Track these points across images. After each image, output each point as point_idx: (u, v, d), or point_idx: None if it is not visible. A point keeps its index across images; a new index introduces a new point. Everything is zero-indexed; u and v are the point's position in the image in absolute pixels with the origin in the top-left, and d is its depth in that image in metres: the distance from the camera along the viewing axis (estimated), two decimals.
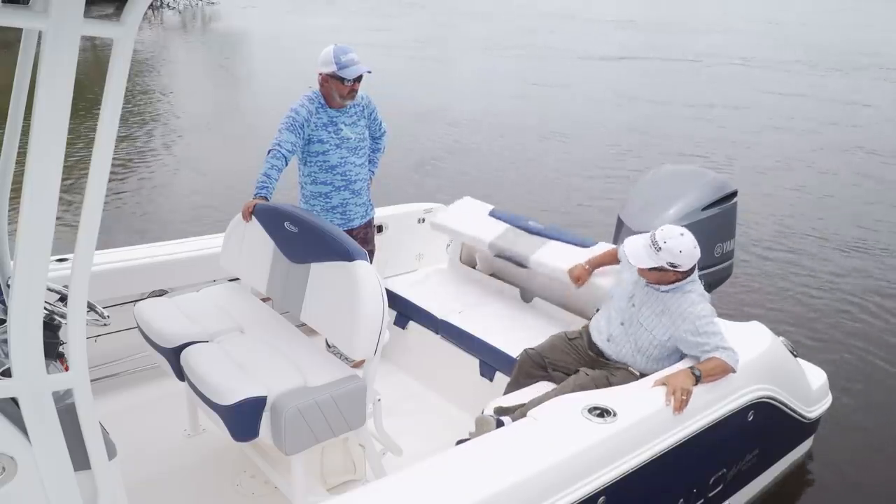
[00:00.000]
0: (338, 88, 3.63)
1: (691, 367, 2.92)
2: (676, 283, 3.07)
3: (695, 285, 3.10)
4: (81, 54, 1.57)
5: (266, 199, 3.43)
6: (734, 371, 2.97)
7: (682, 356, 3.08)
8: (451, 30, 25.43)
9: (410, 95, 13.97)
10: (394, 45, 20.28)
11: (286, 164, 3.58)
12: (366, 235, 3.98)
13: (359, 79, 3.65)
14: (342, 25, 24.56)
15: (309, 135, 3.66)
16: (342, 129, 3.73)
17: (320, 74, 3.64)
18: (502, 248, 4.02)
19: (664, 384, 2.84)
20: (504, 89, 15.24)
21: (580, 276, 3.63)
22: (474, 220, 4.30)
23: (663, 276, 3.05)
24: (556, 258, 3.79)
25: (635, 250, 3.04)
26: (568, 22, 28.69)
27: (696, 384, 2.85)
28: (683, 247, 2.97)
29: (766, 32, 27.75)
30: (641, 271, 3.10)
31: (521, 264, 3.94)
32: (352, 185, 3.81)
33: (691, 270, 3.08)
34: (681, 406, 2.75)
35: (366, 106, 3.86)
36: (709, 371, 2.91)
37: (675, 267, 2.99)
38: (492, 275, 4.47)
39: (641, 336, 3.12)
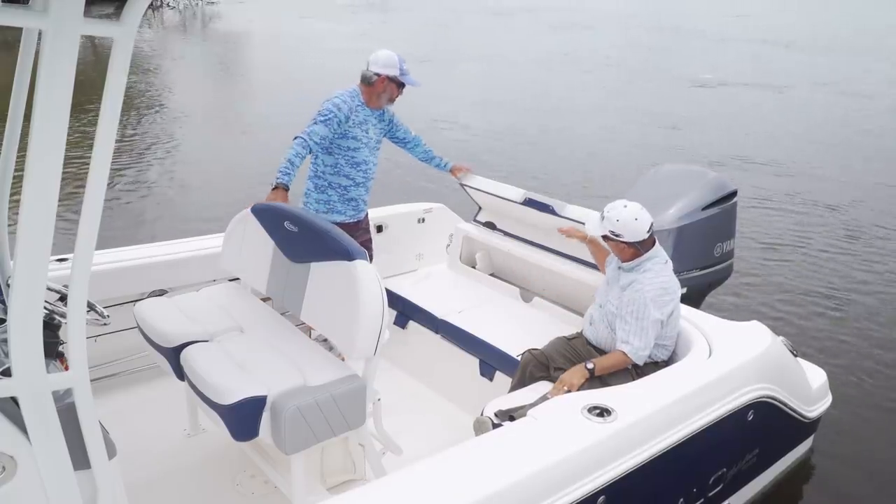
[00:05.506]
0: (392, 92, 3.88)
1: (586, 364, 3.12)
2: (636, 260, 3.22)
3: (653, 263, 3.20)
4: (81, 54, 1.56)
5: (286, 188, 3.55)
6: (634, 363, 3.15)
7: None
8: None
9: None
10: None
11: (309, 154, 3.70)
12: (367, 226, 4.17)
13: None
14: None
15: (346, 130, 3.78)
16: (370, 130, 3.91)
17: (378, 75, 3.80)
18: (531, 197, 4.13)
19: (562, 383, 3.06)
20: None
21: (570, 233, 3.73)
22: (500, 185, 4.40)
23: (617, 248, 3.24)
24: (587, 213, 3.80)
25: (593, 221, 3.34)
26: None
27: (591, 377, 3.08)
28: (620, 216, 3.18)
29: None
30: (607, 245, 3.33)
31: (552, 212, 3.99)
32: (367, 183, 4.00)
33: (645, 245, 3.20)
34: (557, 394, 2.98)
35: (386, 111, 4.06)
36: (605, 367, 3.13)
37: (617, 236, 3.17)
38: (492, 275, 4.48)
39: (611, 313, 3.25)
